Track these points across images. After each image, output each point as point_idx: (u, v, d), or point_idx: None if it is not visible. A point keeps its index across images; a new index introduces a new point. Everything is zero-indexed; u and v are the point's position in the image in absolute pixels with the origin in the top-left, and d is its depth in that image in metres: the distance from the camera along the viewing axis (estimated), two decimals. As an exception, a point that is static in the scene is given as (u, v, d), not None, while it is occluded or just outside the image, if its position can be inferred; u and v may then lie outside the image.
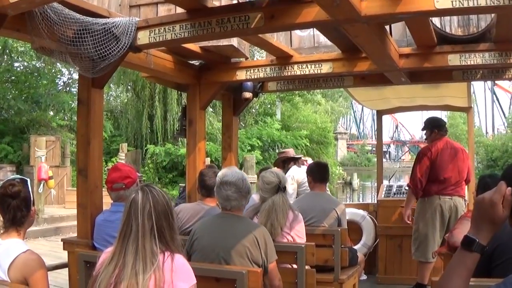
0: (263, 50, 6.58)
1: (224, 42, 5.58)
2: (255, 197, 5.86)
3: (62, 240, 5.40)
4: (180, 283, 2.81)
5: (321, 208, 5.86)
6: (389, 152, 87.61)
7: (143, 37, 4.71)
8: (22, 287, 3.27)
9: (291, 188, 8.04)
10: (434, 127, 7.39)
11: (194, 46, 5.70)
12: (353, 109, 78.58)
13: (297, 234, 4.96)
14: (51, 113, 24.61)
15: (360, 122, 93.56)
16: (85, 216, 5.07)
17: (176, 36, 4.54)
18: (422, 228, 7.20)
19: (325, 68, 5.86)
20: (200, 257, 4.02)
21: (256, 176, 18.86)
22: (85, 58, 4.46)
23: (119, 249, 2.88)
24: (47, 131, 22.38)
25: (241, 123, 25.89)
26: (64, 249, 5.27)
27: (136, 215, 2.88)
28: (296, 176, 8.48)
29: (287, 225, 4.90)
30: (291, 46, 6.11)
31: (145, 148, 23.73)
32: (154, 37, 4.67)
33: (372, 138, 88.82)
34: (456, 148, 7.32)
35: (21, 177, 3.82)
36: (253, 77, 6.24)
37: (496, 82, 67.22)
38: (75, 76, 27.47)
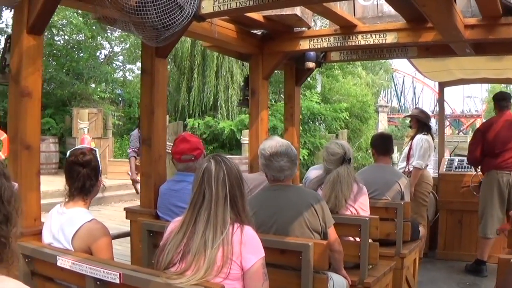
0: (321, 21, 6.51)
1: (287, 11, 5.51)
2: (315, 172, 5.78)
3: (125, 209, 5.43)
4: (248, 255, 2.81)
5: (384, 181, 5.78)
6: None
7: (208, 6, 4.63)
8: (85, 255, 3.26)
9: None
10: (496, 101, 7.32)
11: (257, 15, 5.65)
12: (394, 82, 77.60)
13: (361, 206, 4.90)
14: (93, 85, 24.75)
15: (401, 95, 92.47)
16: (148, 185, 5.09)
17: (241, 5, 4.46)
18: (482, 204, 7.18)
19: (390, 38, 5.73)
20: (260, 232, 3.96)
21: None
22: (149, 27, 4.39)
23: (189, 217, 2.90)
24: (88, 104, 22.54)
25: (282, 95, 25.76)
26: (126, 218, 5.31)
27: (209, 184, 2.88)
28: None
29: (351, 198, 4.84)
30: (354, 15, 6.00)
31: (185, 122, 23.75)
32: (218, 5, 4.60)
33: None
34: None
35: (90, 147, 3.83)
36: (316, 46, 6.13)
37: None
38: (116, 49, 27.62)
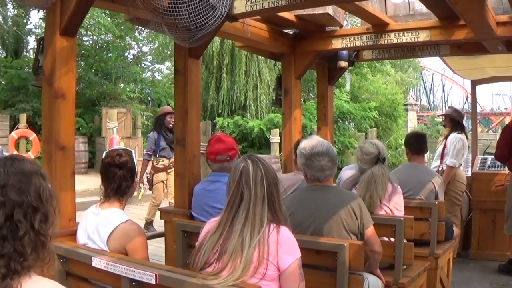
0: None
1: (319, 10, 5.51)
2: (349, 172, 5.76)
3: (159, 209, 5.45)
4: (285, 256, 2.81)
5: (418, 180, 5.73)
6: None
7: (240, 6, 4.64)
8: (120, 256, 3.27)
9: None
10: None
11: (289, 15, 5.65)
12: (423, 80, 76.64)
13: (396, 206, 4.85)
14: (122, 85, 24.89)
15: (430, 93, 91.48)
16: (183, 186, 5.10)
17: (273, 4, 4.47)
18: (508, 202, 7.12)
19: (422, 36, 5.70)
20: (297, 232, 3.94)
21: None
22: (182, 28, 4.40)
23: (226, 217, 2.90)
24: (117, 103, 22.62)
25: (311, 94, 25.71)
26: (161, 218, 5.35)
27: (248, 183, 2.89)
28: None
29: (385, 197, 4.79)
30: (386, 14, 5.97)
31: (214, 121, 23.84)
32: (251, 5, 4.61)
33: (442, 110, 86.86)
34: None
35: (125, 147, 3.84)
36: (349, 45, 6.13)
37: None
38: (145, 49, 27.75)
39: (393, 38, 5.86)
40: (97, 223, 3.51)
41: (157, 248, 6.01)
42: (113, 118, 16.71)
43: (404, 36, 5.79)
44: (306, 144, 4.15)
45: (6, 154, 13.51)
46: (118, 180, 3.59)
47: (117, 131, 17.40)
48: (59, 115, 3.95)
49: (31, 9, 22.67)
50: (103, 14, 21.90)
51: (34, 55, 4.33)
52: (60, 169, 3.95)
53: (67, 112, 4.01)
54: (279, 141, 19.70)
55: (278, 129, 20.27)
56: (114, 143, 15.39)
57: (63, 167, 3.97)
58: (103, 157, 3.76)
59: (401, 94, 32.85)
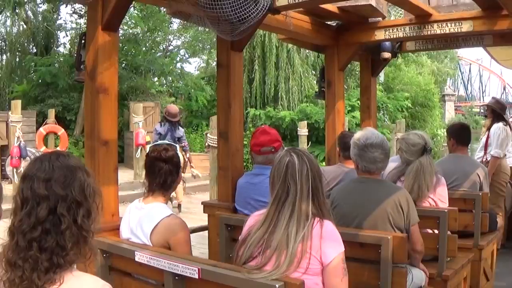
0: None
1: (362, 1, 5.51)
2: (392, 164, 5.73)
3: (202, 203, 5.46)
4: (328, 250, 2.79)
5: (463, 172, 5.68)
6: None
7: (282, -2, 4.63)
8: (163, 250, 3.29)
9: None
10: None
11: (331, 7, 5.64)
12: (460, 70, 75.83)
13: (440, 198, 4.80)
14: (155, 79, 24.87)
15: (467, 83, 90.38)
16: (226, 179, 5.11)
17: (317, -4, 4.46)
18: None
19: (466, 27, 5.66)
20: (341, 224, 3.90)
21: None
22: (224, 21, 4.40)
23: (273, 212, 2.88)
24: (146, 97, 22.65)
25: (344, 85, 25.55)
26: (204, 212, 5.34)
27: (294, 178, 2.87)
28: None
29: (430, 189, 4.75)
30: (428, 4, 5.93)
31: (246, 112, 23.80)
32: (293, -3, 4.60)
33: (480, 100, 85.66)
34: None
35: (169, 143, 3.88)
36: (392, 36, 6.11)
37: None
38: (176, 42, 27.71)
39: (436, 29, 5.83)
40: (140, 218, 3.54)
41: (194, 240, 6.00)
42: (139, 113, 16.63)
43: (447, 26, 5.75)
44: (360, 135, 4.15)
45: (30, 149, 13.72)
46: (164, 175, 3.62)
47: (143, 125, 17.38)
48: (102, 110, 4.00)
49: (60, 4, 22.74)
50: (132, 7, 21.87)
51: (75, 50, 4.38)
52: (103, 164, 4.01)
53: (110, 107, 4.07)
54: (307, 133, 19.59)
55: (305, 122, 20.14)
56: (139, 138, 15.30)
57: (106, 162, 4.03)
58: (148, 151, 3.81)
59: (434, 84, 32.38)
